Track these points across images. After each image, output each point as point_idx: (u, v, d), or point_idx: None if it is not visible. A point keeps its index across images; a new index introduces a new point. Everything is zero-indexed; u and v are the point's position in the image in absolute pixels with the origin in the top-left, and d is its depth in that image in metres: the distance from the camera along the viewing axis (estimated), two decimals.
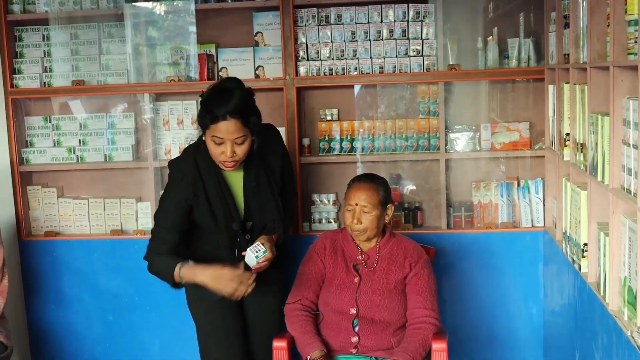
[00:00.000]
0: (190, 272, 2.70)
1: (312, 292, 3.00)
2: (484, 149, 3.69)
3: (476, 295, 3.69)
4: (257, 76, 3.76)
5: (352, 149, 3.75)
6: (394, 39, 3.67)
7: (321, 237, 3.11)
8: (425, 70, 3.65)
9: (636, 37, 2.07)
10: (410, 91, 3.77)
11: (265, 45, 3.78)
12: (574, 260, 2.86)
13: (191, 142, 2.90)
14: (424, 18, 3.65)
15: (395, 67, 3.66)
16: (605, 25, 2.44)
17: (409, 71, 3.65)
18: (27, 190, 3.90)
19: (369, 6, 3.66)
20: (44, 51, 3.86)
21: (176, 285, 2.75)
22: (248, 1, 3.74)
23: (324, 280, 3.00)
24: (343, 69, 3.69)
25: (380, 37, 3.67)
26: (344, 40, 3.69)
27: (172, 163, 2.87)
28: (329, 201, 3.80)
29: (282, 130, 3.35)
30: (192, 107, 3.79)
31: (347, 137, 3.75)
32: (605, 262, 2.43)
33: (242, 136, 2.65)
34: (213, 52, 3.79)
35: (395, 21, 3.66)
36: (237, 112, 2.60)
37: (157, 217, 2.84)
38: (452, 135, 3.70)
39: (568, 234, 2.96)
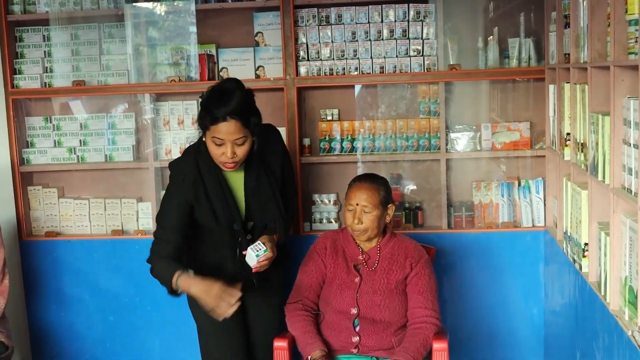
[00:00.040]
0: (186, 282, 2.70)
1: (312, 292, 3.00)
2: (485, 148, 3.69)
3: (477, 295, 3.68)
4: (257, 76, 3.75)
5: (353, 149, 3.75)
6: (395, 38, 3.67)
7: (322, 237, 3.11)
8: (425, 70, 3.65)
9: (636, 37, 2.07)
10: (411, 91, 3.77)
11: (265, 45, 3.78)
12: (574, 260, 2.86)
13: (192, 143, 2.90)
14: (424, 18, 3.65)
15: (395, 67, 3.66)
16: (605, 25, 2.44)
17: (409, 71, 3.65)
18: (27, 190, 3.90)
19: (370, 6, 3.66)
20: (45, 51, 3.86)
21: (173, 292, 2.74)
22: (248, 1, 3.74)
23: (325, 280, 3.00)
24: (343, 69, 3.69)
25: (381, 37, 3.67)
26: (345, 40, 3.69)
27: (172, 164, 2.87)
28: (329, 201, 3.80)
29: (282, 131, 3.35)
30: (192, 107, 3.79)
31: (347, 137, 3.75)
32: (606, 262, 2.43)
33: (243, 137, 2.65)
34: (213, 52, 3.79)
35: (395, 21, 3.66)
36: (237, 113, 2.60)
37: (159, 218, 2.83)
38: (452, 135, 3.70)
39: (569, 234, 2.96)
